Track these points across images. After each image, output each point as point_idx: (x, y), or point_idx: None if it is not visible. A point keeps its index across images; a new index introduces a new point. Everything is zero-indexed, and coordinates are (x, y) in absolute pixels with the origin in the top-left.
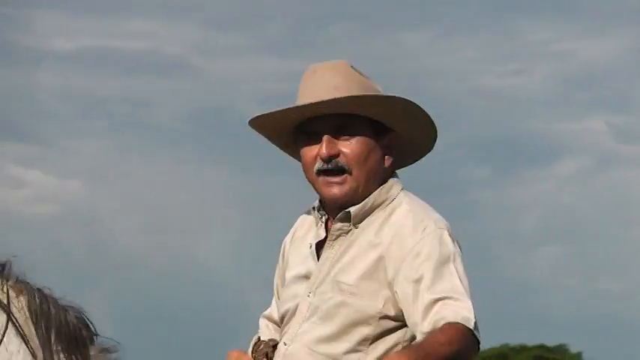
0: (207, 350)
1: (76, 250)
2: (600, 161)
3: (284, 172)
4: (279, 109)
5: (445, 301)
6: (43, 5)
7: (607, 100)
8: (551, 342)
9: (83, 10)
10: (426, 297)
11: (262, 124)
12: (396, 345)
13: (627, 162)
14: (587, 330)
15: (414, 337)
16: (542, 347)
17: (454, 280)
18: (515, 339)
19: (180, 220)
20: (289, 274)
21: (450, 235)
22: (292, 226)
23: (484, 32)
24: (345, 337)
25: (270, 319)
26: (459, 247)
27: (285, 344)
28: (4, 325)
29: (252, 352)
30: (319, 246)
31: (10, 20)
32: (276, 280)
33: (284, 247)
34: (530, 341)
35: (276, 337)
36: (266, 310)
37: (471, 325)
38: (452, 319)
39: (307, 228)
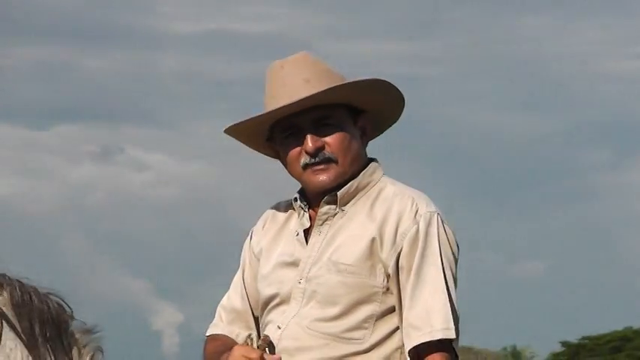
0: None
1: (200, 233)
2: None
3: (399, 156)
4: (254, 115)
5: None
6: None
7: None
8: None
9: None
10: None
11: (239, 130)
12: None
13: None
14: None
15: None
16: None
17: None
18: (638, 322)
19: None
20: (269, 263)
21: (441, 219)
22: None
23: (606, 15)
24: (349, 316)
25: (233, 311)
26: (445, 230)
27: (279, 327)
28: None
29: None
30: (304, 235)
31: (133, 3)
32: (242, 280)
33: (250, 247)
34: None
35: (233, 330)
36: (224, 300)
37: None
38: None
39: (282, 221)
